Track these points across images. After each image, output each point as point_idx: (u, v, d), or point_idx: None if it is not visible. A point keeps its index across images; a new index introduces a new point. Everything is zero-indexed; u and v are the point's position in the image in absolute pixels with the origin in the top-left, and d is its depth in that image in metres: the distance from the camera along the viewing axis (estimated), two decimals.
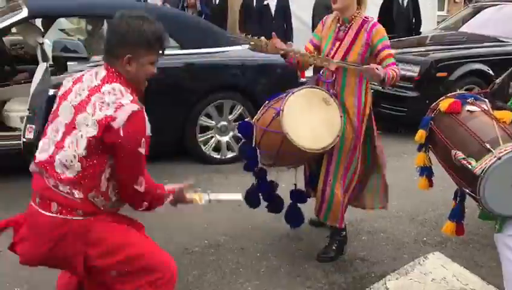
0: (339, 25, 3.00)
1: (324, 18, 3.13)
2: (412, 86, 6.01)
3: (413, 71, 6.02)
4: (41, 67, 3.65)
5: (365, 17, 2.94)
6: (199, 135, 4.84)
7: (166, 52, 5.01)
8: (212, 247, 3.31)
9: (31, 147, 3.37)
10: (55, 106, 1.98)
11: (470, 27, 7.38)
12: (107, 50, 1.94)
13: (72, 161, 1.85)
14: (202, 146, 4.86)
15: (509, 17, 6.99)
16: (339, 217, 3.08)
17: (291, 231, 3.41)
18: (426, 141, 2.47)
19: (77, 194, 1.87)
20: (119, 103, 1.84)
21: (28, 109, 3.44)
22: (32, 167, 1.97)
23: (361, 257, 3.25)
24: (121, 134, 1.82)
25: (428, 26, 9.29)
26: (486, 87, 5.88)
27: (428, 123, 2.42)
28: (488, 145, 1.99)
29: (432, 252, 3.20)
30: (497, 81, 2.54)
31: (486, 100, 2.32)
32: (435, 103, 2.46)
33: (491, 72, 5.91)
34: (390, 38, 7.27)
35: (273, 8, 7.91)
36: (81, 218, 1.88)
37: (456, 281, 2.89)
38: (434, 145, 2.45)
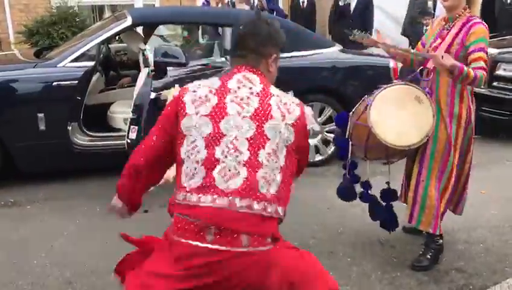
0: (443, 23, 2.93)
1: (435, 18, 3.09)
2: None
3: None
4: (144, 72, 3.89)
5: (470, 16, 2.82)
6: None
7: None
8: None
9: (134, 146, 3.62)
10: (203, 127, 1.68)
11: None
12: (252, 50, 1.80)
13: (274, 175, 1.69)
14: None
15: None
16: (432, 222, 2.95)
17: (383, 237, 3.34)
18: None
19: (281, 211, 1.72)
20: (296, 102, 1.80)
21: (132, 111, 3.68)
22: (205, 201, 1.64)
23: (458, 268, 3.09)
24: (308, 131, 1.83)
25: None
26: None
27: None
28: None
29: None
30: None
31: None
32: None
33: None
34: (492, 37, 6.90)
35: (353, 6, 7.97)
36: (269, 247, 1.68)
37: None
38: None
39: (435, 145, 2.89)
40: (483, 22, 2.78)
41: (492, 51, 5.92)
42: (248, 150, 1.67)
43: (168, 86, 3.70)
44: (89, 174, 4.53)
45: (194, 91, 1.74)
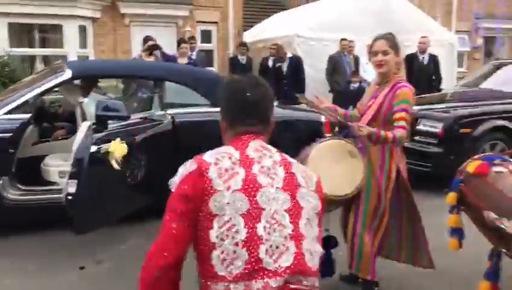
0: (377, 86, 3.21)
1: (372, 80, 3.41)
2: (436, 142, 6.11)
3: (437, 127, 6.14)
4: (85, 125, 3.87)
5: (399, 80, 3.09)
6: None
7: (198, 109, 5.24)
8: None
9: (73, 201, 3.55)
10: (239, 203, 1.51)
11: (490, 84, 7.54)
12: (263, 118, 1.70)
13: (314, 246, 1.59)
14: None
15: None
16: (369, 268, 3.13)
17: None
18: (457, 202, 2.56)
19: (317, 283, 1.61)
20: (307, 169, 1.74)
21: (72, 165, 3.63)
22: (257, 288, 1.49)
23: None
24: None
25: (449, 82, 9.50)
26: (510, 142, 5.98)
27: (458, 185, 2.52)
28: None
29: None
30: None
31: None
32: (462, 166, 2.56)
33: None
34: None
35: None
36: None
37: None
38: (465, 206, 2.54)
39: (368, 203, 3.10)
40: (409, 85, 3.08)
41: (413, 108, 6.44)
42: (290, 222, 1.54)
43: (108, 140, 3.70)
44: (23, 230, 4.34)
45: (216, 164, 1.54)
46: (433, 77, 8.50)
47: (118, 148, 3.65)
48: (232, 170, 1.54)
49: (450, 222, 2.67)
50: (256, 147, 1.63)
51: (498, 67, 8.02)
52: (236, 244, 1.48)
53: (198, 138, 4.78)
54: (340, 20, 9.75)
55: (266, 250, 1.49)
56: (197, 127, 4.79)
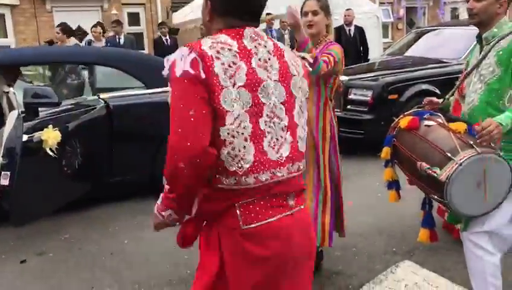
0: None
1: None
2: (366, 109, 6.36)
3: (367, 96, 6.39)
4: (13, 114, 3.69)
5: (330, 41, 3.12)
6: None
7: (132, 92, 5.14)
8: None
9: (7, 193, 3.41)
10: (244, 99, 1.49)
11: (414, 51, 7.91)
12: (258, 14, 1.63)
13: (304, 129, 1.67)
14: None
15: (447, 40, 7.54)
16: (327, 239, 3.19)
17: None
18: (391, 157, 2.70)
19: (304, 163, 1.70)
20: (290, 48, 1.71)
21: (3, 156, 3.46)
22: (265, 179, 1.54)
23: (337, 271, 3.41)
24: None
25: (375, 52, 9.86)
26: None
27: (391, 140, 2.65)
28: (449, 154, 2.23)
29: (402, 261, 3.41)
30: (447, 96, 2.82)
31: (441, 115, 2.58)
32: (395, 121, 2.70)
33: (437, 91, 6.32)
34: None
35: None
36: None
37: (427, 285, 3.10)
38: (399, 160, 2.68)
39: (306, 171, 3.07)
40: (339, 44, 3.12)
41: (343, 78, 6.66)
42: (286, 114, 1.58)
43: (41, 128, 3.56)
44: None
45: (218, 58, 1.46)
46: (361, 48, 8.78)
47: (51, 136, 3.53)
48: (234, 65, 1.49)
49: (386, 176, 2.81)
50: (251, 34, 1.57)
51: (420, 35, 8.41)
52: (246, 139, 1.50)
53: (134, 121, 4.72)
54: None
55: (269, 142, 1.54)
56: (132, 111, 4.70)
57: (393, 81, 6.52)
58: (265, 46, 1.57)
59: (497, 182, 2.25)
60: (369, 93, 6.39)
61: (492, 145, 2.27)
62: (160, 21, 13.03)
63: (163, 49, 9.90)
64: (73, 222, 4.40)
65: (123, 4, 12.83)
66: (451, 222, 2.78)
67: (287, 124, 1.58)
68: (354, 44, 8.72)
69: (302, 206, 1.65)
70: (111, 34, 9.92)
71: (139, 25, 13.32)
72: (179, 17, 13.36)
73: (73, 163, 4.02)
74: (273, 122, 1.55)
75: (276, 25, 9.73)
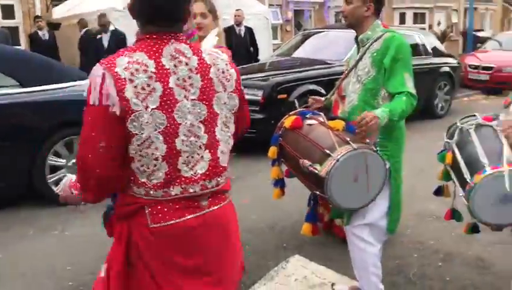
0: None
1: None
2: (258, 108, 6.45)
3: (258, 95, 6.49)
4: None
5: (219, 45, 3.10)
6: (49, 176, 4.59)
7: (4, 91, 4.75)
8: None
9: None
10: (157, 121, 1.50)
11: (301, 52, 8.21)
12: (176, 18, 1.59)
13: (228, 143, 1.68)
14: (53, 187, 4.50)
15: (332, 42, 7.93)
16: None
17: None
18: (278, 156, 2.75)
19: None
20: (228, 60, 1.68)
21: None
22: (175, 193, 1.57)
23: None
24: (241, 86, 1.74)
25: (265, 53, 10.08)
26: None
27: (277, 140, 2.71)
28: (327, 151, 2.31)
29: (292, 256, 3.50)
30: (328, 96, 2.95)
31: (322, 114, 2.69)
32: (280, 121, 2.76)
33: (323, 91, 6.58)
34: None
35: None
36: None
37: (316, 277, 3.22)
38: (285, 159, 2.74)
39: None
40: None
41: None
42: (205, 132, 1.59)
43: None
44: None
45: (132, 80, 1.46)
46: (251, 48, 8.92)
47: None
48: (148, 87, 1.49)
49: (273, 174, 2.86)
50: (171, 52, 1.55)
51: (306, 37, 8.75)
52: (157, 159, 1.53)
53: (9, 122, 4.34)
54: None
55: (184, 161, 1.57)
56: (4, 112, 4.32)
57: (283, 82, 6.70)
58: (186, 64, 1.56)
59: (372, 175, 2.37)
60: (260, 93, 6.50)
61: (368, 141, 2.40)
62: (39, 14, 12.18)
63: (39, 44, 9.27)
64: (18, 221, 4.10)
65: None
66: (334, 217, 2.90)
67: (205, 142, 1.60)
68: (244, 44, 8.83)
69: (217, 206, 1.68)
70: None
71: (14, 18, 12.25)
72: (60, 12, 12.54)
73: None
74: (190, 141, 1.57)
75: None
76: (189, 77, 1.56)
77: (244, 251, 3.62)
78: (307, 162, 2.33)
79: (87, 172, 1.54)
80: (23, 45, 12.03)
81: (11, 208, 4.45)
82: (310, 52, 8.02)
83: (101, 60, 1.51)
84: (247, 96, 6.63)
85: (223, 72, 1.64)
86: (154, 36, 1.55)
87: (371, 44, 2.60)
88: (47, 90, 4.59)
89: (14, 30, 11.77)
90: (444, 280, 3.25)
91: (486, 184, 2.32)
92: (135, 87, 1.46)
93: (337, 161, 2.25)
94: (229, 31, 8.69)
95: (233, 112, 1.68)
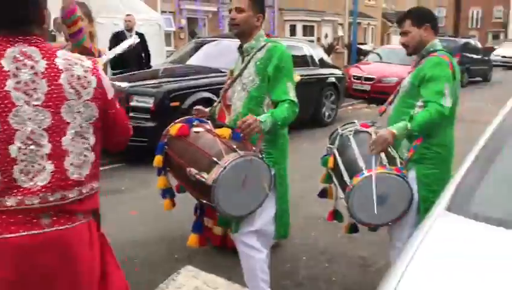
0: None
1: None
2: (149, 116, 6.30)
3: (149, 103, 6.33)
4: None
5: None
6: None
7: None
8: None
9: None
10: None
11: (195, 60, 8.17)
12: (23, 20, 1.51)
13: (85, 156, 1.57)
14: None
15: (225, 51, 7.96)
16: None
17: None
18: (164, 164, 2.68)
19: (96, 184, 1.65)
20: (89, 67, 1.58)
21: None
22: (11, 204, 1.47)
23: None
24: (109, 96, 1.63)
25: (158, 60, 9.90)
26: None
27: (163, 148, 2.64)
28: (214, 159, 2.30)
29: (183, 267, 3.43)
30: (214, 105, 2.97)
31: (209, 121, 2.67)
32: (166, 129, 2.69)
33: (216, 98, 6.60)
34: (122, 72, 7.45)
35: None
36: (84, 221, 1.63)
37: (207, 287, 3.19)
38: (171, 167, 2.68)
39: None
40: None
41: (124, 84, 6.46)
42: (49, 141, 1.49)
43: None
44: None
45: None
46: (142, 54, 8.70)
47: None
48: None
49: (160, 184, 2.78)
50: (15, 55, 1.47)
51: (200, 45, 8.73)
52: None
53: None
54: None
55: (21, 170, 1.47)
56: None
57: (175, 89, 6.62)
58: (32, 68, 1.48)
59: (259, 182, 2.40)
60: (151, 100, 6.34)
61: (254, 148, 2.43)
62: None
63: None
64: None
65: None
66: (221, 225, 2.89)
67: (48, 151, 1.50)
68: (135, 50, 8.56)
69: (63, 227, 1.55)
70: None
71: None
72: None
73: None
74: (30, 150, 1.48)
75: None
76: (33, 81, 1.48)
77: (131, 265, 3.52)
78: (193, 171, 2.30)
79: None
80: None
81: None
82: (204, 60, 8.00)
83: None
84: (137, 104, 6.43)
85: (79, 79, 1.56)
86: (0, 38, 1.48)
87: (255, 53, 2.65)
88: None
89: None
90: (331, 281, 3.39)
91: (362, 186, 2.45)
92: None
93: (224, 168, 2.25)
94: (119, 36, 8.40)
95: (91, 122, 1.59)
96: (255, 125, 2.35)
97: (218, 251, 3.72)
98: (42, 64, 1.49)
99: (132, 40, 3.00)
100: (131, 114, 6.34)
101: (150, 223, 4.25)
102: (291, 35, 20.14)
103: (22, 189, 1.47)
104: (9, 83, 1.44)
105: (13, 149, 1.45)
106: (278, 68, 2.58)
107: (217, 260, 3.63)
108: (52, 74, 1.50)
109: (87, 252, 1.63)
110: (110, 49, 8.22)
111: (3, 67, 1.44)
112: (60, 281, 1.57)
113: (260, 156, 2.43)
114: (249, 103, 2.63)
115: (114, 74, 7.35)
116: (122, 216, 4.41)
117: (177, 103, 6.46)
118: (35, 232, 1.50)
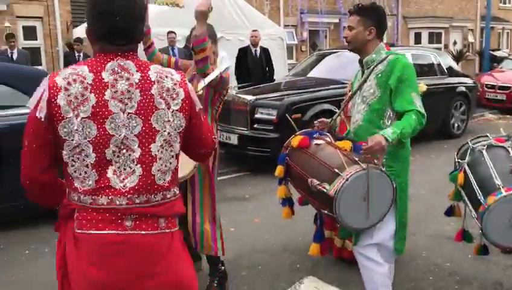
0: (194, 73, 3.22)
1: None
2: (272, 128, 6.50)
3: (272, 115, 6.54)
4: None
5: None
6: None
7: (22, 110, 4.84)
8: None
9: None
10: (87, 130, 1.57)
11: (316, 72, 8.25)
12: (129, 36, 1.66)
13: (170, 163, 1.69)
14: None
15: (346, 62, 7.93)
16: (212, 245, 3.16)
17: None
18: (285, 174, 2.77)
19: (177, 189, 1.76)
20: (178, 80, 1.71)
21: None
22: (101, 203, 1.61)
23: None
24: (196, 108, 1.76)
25: (281, 73, 10.16)
26: None
27: (284, 159, 2.74)
28: (336, 170, 2.33)
29: (306, 277, 3.47)
30: (334, 117, 2.99)
31: (329, 134, 2.71)
32: (287, 141, 2.78)
33: (337, 110, 6.58)
34: (247, 86, 7.77)
35: None
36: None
37: None
38: (292, 178, 2.76)
39: (201, 180, 3.08)
40: None
41: (249, 98, 6.79)
42: (139, 147, 1.62)
43: None
44: None
45: (67, 89, 1.55)
46: (266, 68, 8.99)
47: None
48: (82, 97, 1.57)
49: (280, 193, 2.88)
50: (114, 68, 1.62)
51: (321, 58, 8.80)
52: (87, 166, 1.59)
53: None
54: (171, 17, 9.68)
55: (114, 171, 1.61)
56: (22, 131, 4.40)
57: (297, 101, 6.75)
58: (128, 79, 1.62)
59: (380, 196, 2.38)
60: (274, 112, 6.55)
61: (376, 161, 2.41)
62: (60, 35, 12.52)
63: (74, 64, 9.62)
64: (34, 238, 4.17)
65: (18, 17, 12.10)
66: (341, 237, 2.90)
67: (138, 156, 1.62)
68: (259, 64, 8.90)
69: (145, 232, 1.65)
70: (3, 48, 9.36)
71: (36, 39, 12.60)
72: (80, 32, 12.91)
73: None
74: (122, 154, 1.61)
75: (182, 43, 9.66)
76: (128, 91, 1.61)
77: (256, 272, 3.66)
78: (315, 181, 2.35)
79: (21, 173, 1.64)
80: (44, 64, 12.36)
81: (28, 226, 4.51)
82: (325, 72, 8.05)
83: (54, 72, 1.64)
84: (261, 116, 6.65)
85: (168, 90, 1.67)
86: (102, 54, 1.64)
87: (376, 66, 2.65)
88: None
89: (35, 50, 12.12)
90: None
91: (500, 206, 2.30)
92: (68, 95, 1.56)
93: (347, 180, 2.26)
94: (245, 52, 8.79)
95: (178, 131, 1.69)
96: (379, 147, 2.35)
97: (341, 262, 3.71)
98: (137, 76, 1.63)
99: (227, 63, 3.07)
100: (255, 125, 6.62)
101: (273, 232, 4.37)
102: (416, 43, 19.36)
103: (113, 189, 1.60)
104: (108, 93, 1.58)
105: (109, 152, 1.59)
106: (400, 80, 2.56)
107: (340, 272, 3.62)
108: (145, 85, 1.63)
109: (166, 261, 1.68)
110: (237, 63, 8.71)
111: (103, 79, 1.59)
112: (138, 285, 1.65)
113: (382, 169, 2.41)
114: (370, 115, 2.63)
115: (240, 88, 7.72)
116: (246, 224, 4.60)
117: (298, 115, 6.56)
118: (119, 232, 1.61)
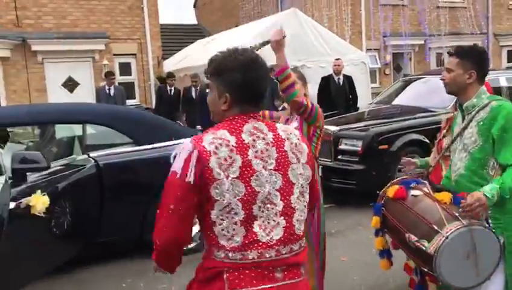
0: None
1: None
2: (357, 159, 6.37)
3: (357, 146, 6.41)
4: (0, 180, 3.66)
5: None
6: None
7: (122, 149, 5.12)
8: None
9: None
10: (237, 189, 1.67)
11: (402, 99, 7.99)
12: (260, 97, 1.82)
13: (304, 212, 1.80)
14: None
15: (434, 89, 7.62)
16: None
17: None
18: (381, 225, 2.70)
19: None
20: (299, 135, 1.86)
21: None
22: (252, 257, 1.68)
23: None
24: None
25: (364, 98, 10.00)
26: (424, 155, 6.39)
27: (380, 210, 2.67)
28: (435, 227, 2.23)
29: None
30: (433, 164, 2.86)
31: (426, 183, 2.60)
32: (382, 190, 2.72)
33: (426, 140, 6.36)
34: (330, 115, 7.65)
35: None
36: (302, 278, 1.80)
37: None
38: (388, 229, 2.68)
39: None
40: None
41: (333, 128, 6.71)
42: (281, 200, 1.73)
43: (29, 192, 3.52)
44: None
45: (216, 153, 1.67)
46: (350, 96, 8.90)
47: (39, 201, 3.47)
48: (230, 159, 1.68)
49: (377, 245, 2.81)
50: (250, 129, 1.75)
51: (407, 84, 8.54)
52: (236, 223, 1.68)
53: (125, 178, 4.70)
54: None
55: (259, 225, 1.69)
56: (122, 168, 4.69)
57: (383, 132, 6.56)
58: (263, 139, 1.75)
59: (485, 253, 2.24)
60: (359, 143, 6.41)
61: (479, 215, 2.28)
62: (151, 70, 13.29)
63: (165, 98, 10.41)
64: (62, 285, 4.31)
65: (114, 55, 13.03)
66: None
67: (281, 209, 1.72)
68: (343, 92, 8.83)
69: (293, 281, 1.73)
70: (101, 84, 10.09)
71: (130, 75, 13.50)
72: (169, 65, 13.60)
73: (63, 223, 3.96)
74: (267, 208, 1.70)
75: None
76: (266, 150, 1.73)
77: None
78: (413, 237, 2.26)
79: (157, 235, 1.71)
80: (138, 98, 13.18)
81: (125, 260, 4.72)
82: (411, 99, 7.78)
83: (193, 136, 1.74)
84: (346, 147, 6.52)
85: (296, 146, 1.80)
86: (237, 117, 1.76)
87: (477, 112, 2.51)
88: (159, 147, 4.92)
89: (129, 85, 12.98)
90: None
91: None
92: (218, 158, 1.66)
93: (447, 237, 2.16)
94: (327, 80, 8.77)
95: (308, 182, 1.81)
96: (478, 206, 2.24)
97: None
98: (270, 136, 1.76)
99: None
100: (339, 156, 6.53)
101: (362, 272, 4.25)
102: (508, 62, 18.27)
103: (261, 243, 1.68)
104: (251, 153, 1.70)
105: (255, 208, 1.68)
106: (504, 129, 2.40)
107: None
108: (278, 143, 1.76)
109: None
110: (319, 92, 8.70)
111: (244, 140, 1.71)
112: None
113: (486, 224, 2.27)
114: (472, 165, 2.49)
115: (324, 117, 7.68)
116: (333, 262, 4.50)
117: (385, 146, 6.41)
118: (272, 285, 1.69)
